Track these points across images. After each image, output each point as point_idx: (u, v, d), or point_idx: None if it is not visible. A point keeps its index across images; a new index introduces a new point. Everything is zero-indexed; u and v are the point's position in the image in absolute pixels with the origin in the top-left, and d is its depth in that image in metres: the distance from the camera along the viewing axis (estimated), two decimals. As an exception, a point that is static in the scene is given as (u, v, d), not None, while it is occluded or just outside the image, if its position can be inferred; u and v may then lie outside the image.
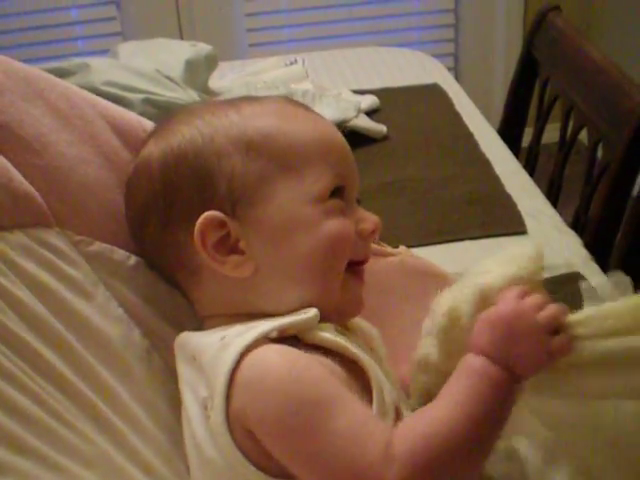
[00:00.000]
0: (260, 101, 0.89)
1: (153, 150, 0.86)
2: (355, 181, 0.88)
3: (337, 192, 0.84)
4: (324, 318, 0.81)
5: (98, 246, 0.89)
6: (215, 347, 0.77)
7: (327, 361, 0.77)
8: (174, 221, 0.84)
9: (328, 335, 0.79)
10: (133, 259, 0.92)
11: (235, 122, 0.85)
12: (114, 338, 0.85)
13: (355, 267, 0.86)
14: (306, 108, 0.90)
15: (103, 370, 0.83)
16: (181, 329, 0.87)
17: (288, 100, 0.91)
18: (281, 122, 0.85)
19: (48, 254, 0.84)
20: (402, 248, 1.20)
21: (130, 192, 0.89)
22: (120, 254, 0.91)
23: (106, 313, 0.86)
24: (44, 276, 0.83)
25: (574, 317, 0.75)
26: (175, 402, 0.86)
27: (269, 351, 0.75)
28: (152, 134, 0.90)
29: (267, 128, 0.84)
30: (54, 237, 0.86)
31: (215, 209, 0.81)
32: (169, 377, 0.88)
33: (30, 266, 0.82)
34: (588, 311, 0.76)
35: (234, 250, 0.82)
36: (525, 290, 0.77)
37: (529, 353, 0.74)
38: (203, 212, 0.81)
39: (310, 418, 0.71)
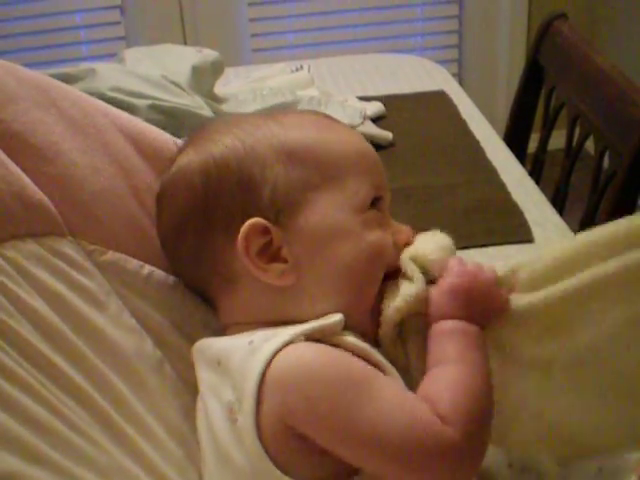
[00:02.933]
0: (297, 113, 0.93)
1: (193, 159, 0.87)
2: (388, 193, 0.89)
3: (375, 203, 0.85)
4: (353, 328, 0.82)
5: (111, 255, 0.89)
6: (243, 351, 0.77)
7: None
8: (214, 229, 0.84)
9: (353, 339, 0.80)
10: (146, 269, 0.92)
11: (275, 132, 0.86)
12: (127, 348, 0.85)
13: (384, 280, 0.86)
14: (338, 121, 0.91)
15: (117, 380, 0.83)
16: (193, 339, 0.87)
17: (322, 114, 0.93)
18: (320, 133, 0.87)
19: (61, 263, 0.84)
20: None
21: (166, 201, 0.89)
22: (133, 264, 0.91)
23: (119, 323, 0.86)
24: (57, 286, 0.83)
25: (502, 270, 0.85)
26: (187, 413, 0.86)
27: (297, 348, 0.76)
28: (189, 143, 0.90)
29: (308, 138, 0.86)
30: (67, 246, 0.86)
31: (257, 216, 0.82)
32: (181, 388, 0.88)
33: (44, 275, 0.82)
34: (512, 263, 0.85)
35: (276, 258, 0.83)
36: (460, 258, 0.85)
37: (489, 308, 0.82)
38: (244, 220, 0.82)
39: (359, 393, 0.73)
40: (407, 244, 0.86)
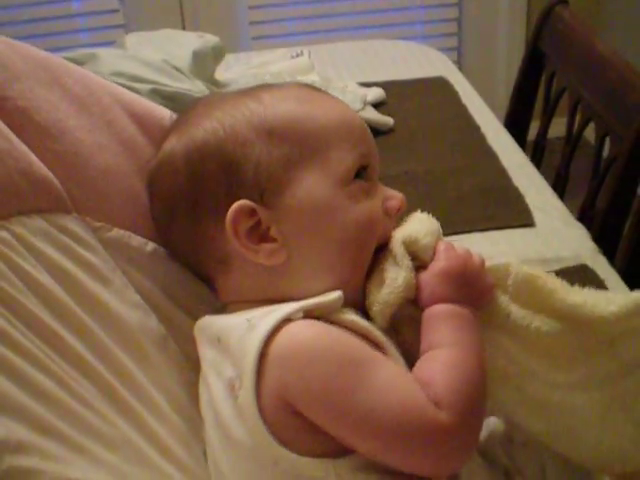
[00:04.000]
0: (278, 88, 0.90)
1: (175, 145, 0.87)
2: (376, 160, 0.88)
3: (361, 172, 0.85)
4: (349, 303, 0.82)
5: (116, 232, 0.90)
6: (242, 328, 0.77)
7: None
8: (202, 213, 0.84)
9: (353, 316, 0.80)
10: (150, 245, 0.92)
11: (255, 110, 0.85)
12: (131, 323, 0.86)
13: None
14: (322, 92, 0.91)
15: (122, 354, 0.83)
16: (195, 316, 0.88)
17: (304, 85, 0.92)
18: (301, 106, 0.86)
19: (67, 239, 0.85)
20: None
21: (155, 187, 0.89)
22: (138, 240, 0.91)
23: (123, 299, 0.87)
24: (63, 261, 0.83)
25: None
26: (191, 388, 0.87)
27: (299, 326, 0.77)
28: (172, 128, 0.90)
29: (288, 113, 0.85)
30: (72, 223, 0.86)
31: (243, 198, 0.82)
32: (185, 363, 0.89)
33: (50, 251, 0.83)
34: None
35: (265, 238, 0.82)
36: (450, 243, 0.85)
37: (479, 289, 0.83)
38: (231, 202, 0.81)
39: (354, 376, 0.74)
40: (399, 210, 0.86)
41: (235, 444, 0.77)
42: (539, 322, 0.82)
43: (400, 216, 0.87)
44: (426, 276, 0.82)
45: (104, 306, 0.84)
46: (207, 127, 0.85)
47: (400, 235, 0.84)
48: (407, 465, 0.75)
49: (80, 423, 0.76)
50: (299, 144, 0.83)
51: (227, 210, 0.81)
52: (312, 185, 0.82)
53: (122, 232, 0.90)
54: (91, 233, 0.88)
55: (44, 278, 0.80)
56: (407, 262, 0.82)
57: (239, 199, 0.82)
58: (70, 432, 0.74)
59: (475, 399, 0.76)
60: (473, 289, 0.82)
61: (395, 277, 0.82)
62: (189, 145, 0.85)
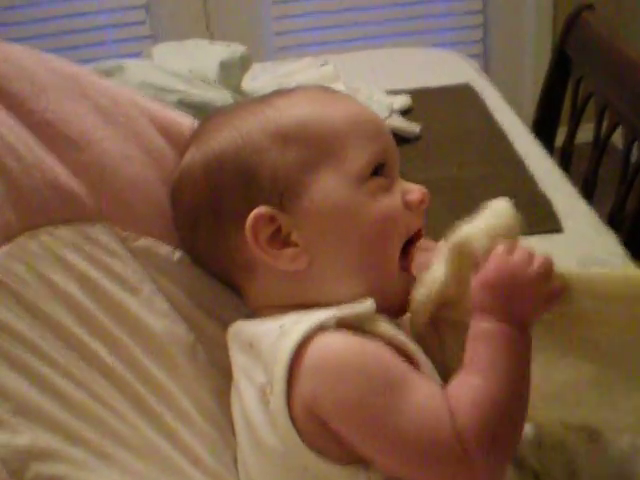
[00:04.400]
0: (291, 92, 0.90)
1: (195, 155, 0.88)
2: (395, 156, 0.87)
3: (379, 170, 0.84)
4: (382, 307, 0.81)
5: (144, 241, 0.90)
6: (274, 334, 0.77)
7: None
8: (224, 222, 0.85)
9: (388, 327, 0.79)
10: (178, 254, 0.92)
11: (270, 116, 0.85)
12: (160, 332, 0.86)
13: (407, 246, 0.85)
14: (336, 92, 0.91)
15: (150, 364, 0.84)
16: (224, 324, 0.88)
17: (317, 87, 0.92)
18: (313, 108, 0.86)
19: (95, 249, 0.86)
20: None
21: (176, 198, 0.90)
22: (165, 249, 0.92)
23: (152, 307, 0.87)
24: (92, 271, 0.84)
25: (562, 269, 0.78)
26: (220, 396, 0.87)
27: (334, 337, 0.76)
28: (192, 139, 0.91)
29: (301, 117, 0.85)
30: (100, 233, 0.87)
31: (262, 204, 0.82)
32: (214, 372, 0.89)
33: (78, 261, 0.83)
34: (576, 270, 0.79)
35: (287, 243, 0.83)
36: (510, 246, 0.78)
37: (530, 305, 0.76)
38: (250, 210, 0.82)
39: (386, 397, 0.73)
40: (422, 202, 0.85)
41: (266, 450, 0.77)
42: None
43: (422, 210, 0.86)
44: (473, 282, 0.78)
45: (133, 315, 0.85)
46: (224, 136, 0.86)
47: (458, 233, 0.80)
48: None
49: (108, 431, 0.76)
50: (313, 146, 0.83)
51: (247, 218, 0.82)
52: (329, 186, 0.82)
53: (150, 241, 0.91)
54: (119, 242, 0.88)
55: (72, 288, 0.81)
56: (451, 259, 0.79)
57: (259, 205, 0.82)
58: (98, 440, 0.75)
59: (502, 431, 0.73)
60: (526, 301, 0.76)
61: (436, 274, 0.80)
62: (208, 155, 0.86)
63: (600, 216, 1.64)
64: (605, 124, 1.87)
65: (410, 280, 0.83)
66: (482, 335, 0.76)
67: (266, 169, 0.83)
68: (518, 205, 1.57)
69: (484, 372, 0.74)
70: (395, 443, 0.73)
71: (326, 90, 0.91)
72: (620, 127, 1.80)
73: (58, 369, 0.76)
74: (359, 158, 0.83)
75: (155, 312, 0.87)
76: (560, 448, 0.87)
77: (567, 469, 0.88)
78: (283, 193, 0.82)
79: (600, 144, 1.89)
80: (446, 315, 0.82)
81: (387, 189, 0.84)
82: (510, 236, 0.80)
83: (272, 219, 0.82)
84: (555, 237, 1.53)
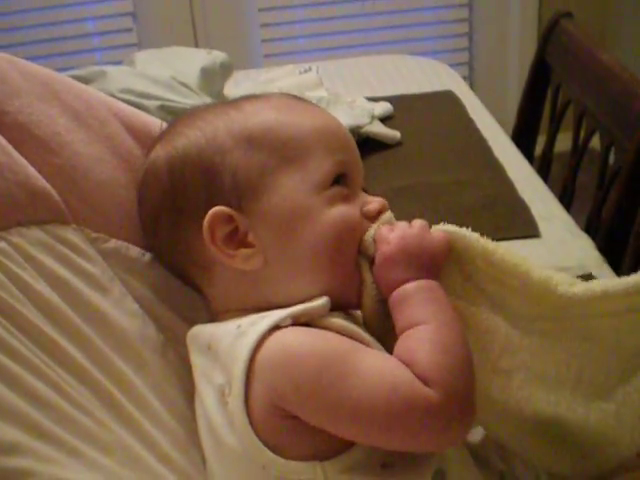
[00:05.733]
0: (260, 98, 0.91)
1: (160, 153, 0.89)
2: (358, 168, 0.89)
3: (340, 180, 0.86)
4: (339, 306, 0.83)
5: (114, 243, 0.91)
6: (232, 335, 0.79)
7: None
8: (184, 220, 0.86)
9: (340, 321, 0.81)
10: (148, 256, 0.93)
11: (236, 119, 0.87)
12: (130, 332, 0.87)
13: None
14: (306, 101, 0.92)
15: (120, 362, 0.84)
16: (194, 324, 0.89)
17: (287, 95, 0.93)
18: (280, 115, 0.87)
19: (65, 250, 0.86)
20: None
21: (141, 195, 0.91)
22: (135, 251, 0.93)
23: (122, 308, 0.88)
24: (61, 271, 0.85)
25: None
26: (190, 395, 0.87)
27: (286, 333, 0.78)
28: (158, 138, 0.92)
29: (267, 121, 0.86)
30: (71, 234, 0.88)
31: (222, 205, 0.83)
32: (184, 371, 0.89)
33: (48, 261, 0.84)
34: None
35: (243, 243, 0.84)
36: (389, 225, 0.84)
37: (429, 256, 0.82)
38: (210, 208, 0.83)
39: (340, 367, 0.75)
40: (379, 212, 0.86)
41: (226, 449, 0.78)
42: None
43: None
44: (375, 270, 0.83)
45: (103, 315, 0.86)
46: (189, 135, 0.87)
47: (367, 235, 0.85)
48: (408, 445, 0.76)
49: (76, 428, 0.77)
50: (277, 151, 0.85)
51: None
52: (288, 191, 0.84)
53: (120, 243, 0.92)
54: (89, 244, 0.89)
55: (43, 288, 0.82)
56: (365, 264, 0.84)
57: (218, 205, 0.83)
58: (66, 436, 0.75)
59: (459, 369, 0.76)
60: (424, 257, 0.81)
61: (367, 280, 0.84)
62: (172, 153, 0.87)
63: (579, 222, 1.66)
64: (583, 131, 1.89)
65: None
66: (403, 300, 0.80)
67: (228, 170, 0.84)
68: (497, 210, 1.60)
69: (422, 322, 0.78)
70: (361, 407, 0.74)
71: (296, 98, 0.92)
72: (598, 133, 1.81)
73: (27, 366, 0.76)
74: (321, 166, 0.85)
75: (125, 312, 0.88)
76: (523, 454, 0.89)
77: (533, 473, 0.89)
78: (242, 194, 0.84)
79: (578, 150, 1.91)
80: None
81: (346, 199, 0.86)
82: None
83: (229, 219, 0.83)
84: (533, 242, 1.54)
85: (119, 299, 0.88)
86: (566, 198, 1.92)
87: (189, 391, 0.88)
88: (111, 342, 0.85)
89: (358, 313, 0.87)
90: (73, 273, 0.85)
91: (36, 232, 0.85)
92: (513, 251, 0.84)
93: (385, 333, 0.83)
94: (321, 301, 0.81)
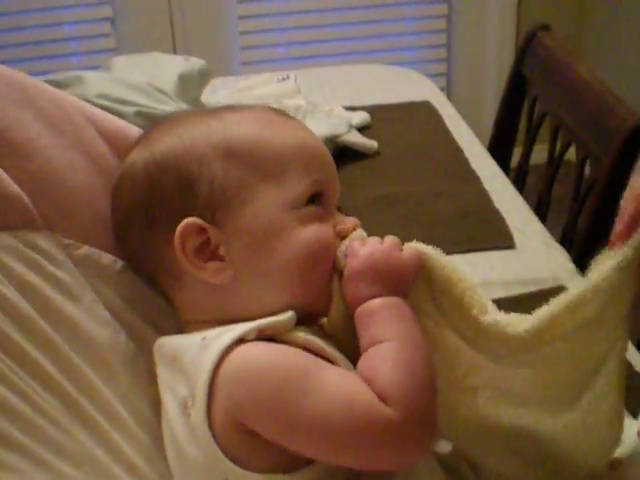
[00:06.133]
0: (241, 109, 0.91)
1: (136, 158, 0.88)
2: (334, 188, 0.89)
3: (315, 199, 0.86)
4: (305, 319, 0.83)
5: (86, 250, 0.90)
6: (196, 347, 0.79)
7: None
8: (157, 227, 0.85)
9: (306, 335, 0.81)
10: (120, 263, 0.92)
11: (215, 129, 0.86)
12: (100, 340, 0.86)
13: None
14: (287, 116, 0.92)
15: (89, 371, 0.83)
16: (165, 334, 0.88)
17: (269, 109, 0.93)
18: (261, 129, 0.87)
19: (36, 256, 0.85)
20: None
21: (115, 199, 0.90)
22: (107, 258, 0.91)
23: (93, 316, 0.87)
24: (32, 277, 0.83)
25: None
26: (158, 406, 0.87)
27: (248, 348, 0.77)
28: (136, 143, 0.91)
29: (247, 135, 0.86)
30: (42, 240, 0.87)
31: (196, 215, 0.83)
32: (153, 380, 0.88)
33: (18, 267, 0.83)
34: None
35: (214, 256, 0.83)
36: (359, 240, 0.84)
37: (398, 273, 0.81)
38: (184, 218, 0.82)
39: (300, 384, 0.74)
40: (353, 230, 0.86)
41: (188, 461, 0.78)
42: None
43: None
44: (342, 284, 0.83)
45: (72, 322, 0.84)
46: (167, 142, 0.86)
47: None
48: (363, 464, 0.75)
49: (42, 437, 0.76)
50: (254, 167, 0.84)
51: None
52: (262, 207, 0.83)
53: (92, 250, 0.90)
54: (61, 250, 0.88)
55: (11, 294, 0.80)
56: (335, 279, 0.84)
57: (192, 215, 0.83)
58: (32, 446, 0.74)
59: (421, 389, 0.75)
60: (393, 274, 0.81)
61: (335, 294, 0.84)
62: (149, 159, 0.86)
63: (554, 233, 1.66)
64: (559, 143, 1.90)
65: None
66: (369, 314, 0.80)
67: (204, 179, 0.83)
68: (472, 221, 1.61)
69: (386, 339, 0.77)
70: (317, 424, 0.74)
71: (277, 112, 0.92)
72: (573, 146, 1.82)
73: None
74: (297, 185, 0.84)
75: (96, 320, 0.87)
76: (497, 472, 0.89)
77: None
78: (217, 206, 0.83)
79: (554, 162, 1.92)
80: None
81: (320, 218, 0.85)
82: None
83: (201, 230, 0.83)
84: (507, 253, 1.55)
85: (90, 307, 0.87)
86: (541, 210, 1.93)
87: (156, 400, 0.87)
88: (80, 350, 0.84)
89: (324, 324, 0.87)
90: (43, 280, 0.84)
91: (6, 238, 0.84)
92: (472, 287, 0.83)
93: (352, 347, 0.83)
94: (286, 315, 0.81)
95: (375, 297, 0.80)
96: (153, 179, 0.85)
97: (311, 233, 0.84)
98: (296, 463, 0.76)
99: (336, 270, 0.84)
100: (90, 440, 0.80)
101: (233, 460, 0.75)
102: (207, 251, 0.83)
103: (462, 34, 3.70)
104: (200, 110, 0.93)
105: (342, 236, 0.86)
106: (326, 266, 0.84)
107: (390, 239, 0.83)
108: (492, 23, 3.67)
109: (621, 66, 3.37)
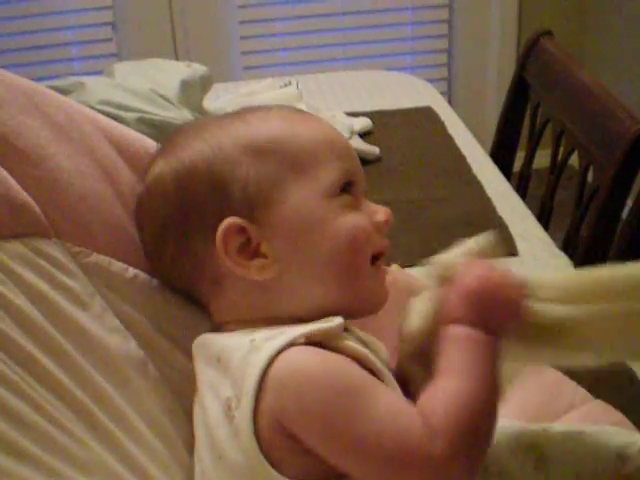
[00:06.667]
0: (262, 109, 0.92)
1: (164, 167, 0.88)
2: (362, 177, 0.89)
3: (347, 187, 0.86)
4: (348, 313, 0.83)
5: (96, 257, 0.90)
6: (244, 349, 0.78)
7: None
8: (193, 234, 0.85)
9: (352, 343, 0.80)
10: (131, 271, 0.92)
11: (242, 130, 0.87)
12: (111, 348, 0.86)
13: (374, 261, 0.87)
14: (307, 113, 0.93)
15: (100, 378, 0.83)
16: (176, 342, 0.89)
17: (288, 107, 0.94)
18: (286, 125, 0.88)
19: (46, 264, 0.85)
20: (394, 267, 1.21)
21: (144, 212, 0.90)
22: (118, 266, 0.92)
23: (102, 323, 0.87)
24: (42, 285, 0.83)
25: (535, 280, 0.80)
26: (171, 413, 0.87)
27: (300, 352, 0.77)
28: (159, 152, 0.91)
29: (274, 132, 0.87)
30: (52, 247, 0.87)
31: (233, 216, 0.83)
32: (165, 388, 0.89)
33: (28, 275, 0.83)
34: (549, 277, 0.82)
35: (256, 254, 0.84)
36: (486, 262, 0.82)
37: (503, 316, 0.78)
38: (220, 221, 0.83)
39: (351, 403, 0.74)
40: (386, 222, 0.86)
41: (228, 464, 0.77)
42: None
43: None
44: (445, 296, 0.80)
45: (82, 330, 0.84)
46: (195, 148, 0.86)
47: (442, 263, 0.83)
48: None
49: (55, 447, 0.76)
50: (285, 161, 0.85)
51: (216, 230, 0.83)
52: (299, 200, 0.84)
53: (102, 257, 0.91)
54: (70, 258, 0.88)
55: (22, 302, 0.80)
56: (433, 287, 0.82)
57: (228, 216, 0.83)
58: (45, 456, 0.74)
59: (477, 433, 0.74)
60: (498, 312, 0.78)
61: (424, 305, 0.82)
62: (178, 167, 0.86)
63: (556, 238, 1.66)
64: (562, 149, 1.90)
65: (381, 284, 0.87)
66: (456, 339, 0.77)
67: (238, 181, 0.84)
68: (475, 227, 1.60)
69: (459, 375, 0.75)
70: (362, 446, 0.73)
71: (297, 110, 0.93)
72: (576, 152, 1.82)
73: (4, 384, 0.75)
74: (329, 175, 0.85)
75: (105, 328, 0.87)
76: (506, 475, 0.88)
77: None
78: (254, 205, 0.83)
79: (557, 169, 1.92)
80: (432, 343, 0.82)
81: (354, 207, 0.86)
82: (486, 254, 0.85)
83: (242, 230, 0.83)
84: (510, 261, 1.55)
85: (99, 315, 0.87)
86: (544, 216, 1.93)
87: (169, 408, 0.88)
88: (91, 358, 0.84)
89: (370, 339, 0.86)
90: (53, 288, 0.84)
91: (16, 246, 0.84)
92: None
93: (424, 359, 0.82)
94: (336, 321, 0.80)
95: (471, 324, 0.77)
96: (185, 187, 0.85)
97: (352, 222, 0.84)
98: (329, 475, 0.76)
99: (438, 276, 0.82)
100: (102, 448, 0.79)
101: (274, 466, 0.75)
102: (249, 250, 0.84)
103: (463, 39, 3.70)
104: (220, 115, 0.93)
105: (378, 228, 0.86)
106: (366, 255, 0.85)
107: (506, 275, 0.80)
108: (494, 28, 3.67)
109: (623, 72, 3.37)
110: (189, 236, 0.86)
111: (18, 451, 0.73)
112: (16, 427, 0.74)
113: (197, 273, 0.87)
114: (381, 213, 0.87)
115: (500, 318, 0.78)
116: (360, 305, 0.86)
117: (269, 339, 0.78)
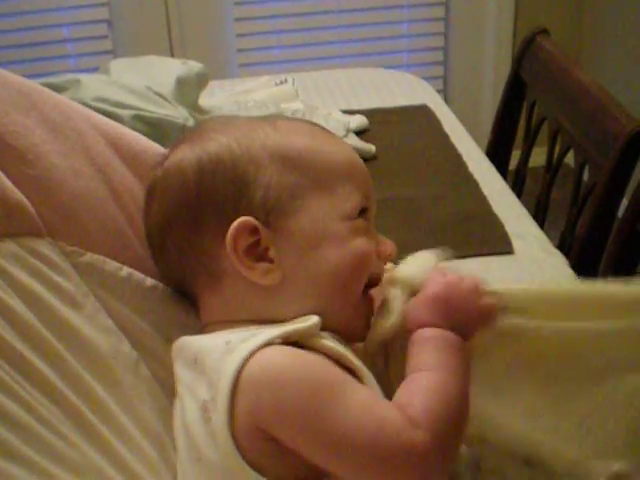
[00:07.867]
0: (294, 120, 0.94)
1: (188, 154, 0.87)
2: (374, 205, 0.91)
3: (362, 213, 0.87)
4: (330, 327, 0.84)
5: (89, 257, 0.90)
6: (220, 350, 0.78)
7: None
8: (204, 225, 0.85)
9: (329, 342, 0.81)
10: (125, 271, 0.92)
11: (271, 135, 0.87)
12: (103, 348, 0.86)
13: (366, 288, 0.88)
14: (329, 132, 0.93)
15: (91, 380, 0.83)
16: (169, 342, 0.88)
17: (318, 124, 0.95)
18: (314, 141, 0.89)
19: (39, 264, 0.85)
20: (390, 265, 1.21)
21: (157, 195, 0.90)
22: (112, 265, 0.91)
23: (95, 324, 0.87)
24: (35, 285, 0.83)
25: (507, 291, 0.86)
26: (163, 414, 0.87)
27: (274, 351, 0.77)
28: (183, 141, 0.91)
29: (301, 144, 0.87)
30: (45, 247, 0.87)
31: (247, 216, 0.83)
32: (157, 389, 0.89)
33: (21, 275, 0.83)
34: (521, 289, 0.87)
35: (262, 258, 0.84)
36: (445, 271, 0.86)
37: (466, 316, 0.83)
38: (235, 218, 0.83)
39: (327, 398, 0.74)
40: (390, 255, 0.89)
41: (206, 466, 0.77)
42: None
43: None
44: (412, 303, 0.84)
45: (75, 331, 0.84)
46: (223, 142, 0.87)
47: (393, 275, 0.88)
48: None
49: (47, 449, 0.75)
50: (310, 174, 0.86)
51: (229, 225, 0.83)
52: (317, 215, 0.85)
53: (96, 257, 0.90)
54: (64, 257, 0.88)
55: (14, 302, 0.80)
56: (397, 305, 0.85)
57: (243, 215, 0.83)
58: (36, 457, 0.74)
59: (453, 423, 0.76)
60: (463, 314, 0.82)
61: (393, 308, 0.85)
62: (202, 156, 0.86)
63: (552, 237, 1.66)
64: (558, 147, 1.90)
65: (367, 314, 0.88)
66: (425, 340, 0.81)
67: (261, 184, 0.84)
68: (471, 226, 1.61)
69: (431, 370, 0.79)
70: (342, 441, 0.74)
71: (325, 129, 0.94)
72: (572, 151, 1.82)
73: None
74: (351, 198, 0.86)
75: (98, 328, 0.87)
76: (499, 473, 0.88)
77: None
78: (271, 210, 0.84)
79: (553, 167, 1.92)
80: (395, 339, 0.87)
81: (366, 232, 0.87)
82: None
83: (255, 231, 0.83)
84: (506, 259, 1.55)
85: (92, 315, 0.87)
86: (540, 214, 1.93)
87: (161, 409, 0.88)
88: (83, 359, 0.84)
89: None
90: (45, 287, 0.84)
91: (10, 245, 0.84)
92: None
93: (393, 365, 0.86)
94: (312, 321, 0.81)
95: (438, 327, 0.81)
96: (207, 177, 0.85)
97: (361, 245, 0.86)
98: (316, 474, 0.76)
99: (402, 288, 0.86)
100: (93, 450, 0.79)
101: (252, 466, 0.75)
102: (256, 252, 0.84)
103: (459, 37, 3.70)
104: (250, 117, 0.94)
105: (381, 257, 0.88)
106: (363, 280, 0.87)
107: (472, 282, 0.85)
108: (490, 26, 3.67)
109: (619, 70, 3.37)
110: (199, 226, 0.86)
111: (11, 452, 0.73)
112: (9, 428, 0.73)
113: (197, 264, 0.87)
114: (388, 245, 0.89)
115: (466, 322, 0.83)
116: (339, 327, 0.86)
117: (244, 340, 0.78)
